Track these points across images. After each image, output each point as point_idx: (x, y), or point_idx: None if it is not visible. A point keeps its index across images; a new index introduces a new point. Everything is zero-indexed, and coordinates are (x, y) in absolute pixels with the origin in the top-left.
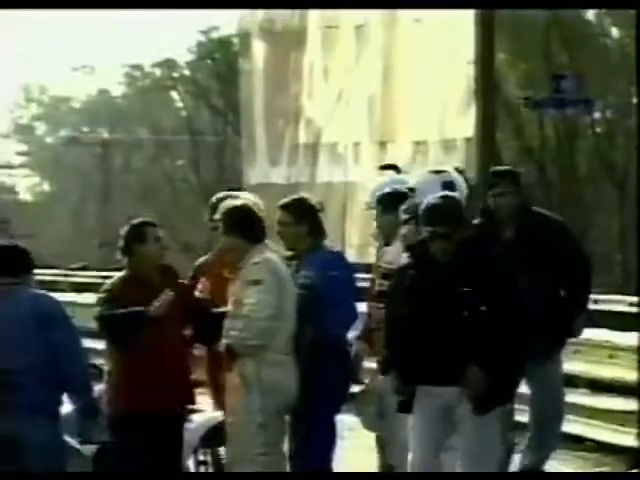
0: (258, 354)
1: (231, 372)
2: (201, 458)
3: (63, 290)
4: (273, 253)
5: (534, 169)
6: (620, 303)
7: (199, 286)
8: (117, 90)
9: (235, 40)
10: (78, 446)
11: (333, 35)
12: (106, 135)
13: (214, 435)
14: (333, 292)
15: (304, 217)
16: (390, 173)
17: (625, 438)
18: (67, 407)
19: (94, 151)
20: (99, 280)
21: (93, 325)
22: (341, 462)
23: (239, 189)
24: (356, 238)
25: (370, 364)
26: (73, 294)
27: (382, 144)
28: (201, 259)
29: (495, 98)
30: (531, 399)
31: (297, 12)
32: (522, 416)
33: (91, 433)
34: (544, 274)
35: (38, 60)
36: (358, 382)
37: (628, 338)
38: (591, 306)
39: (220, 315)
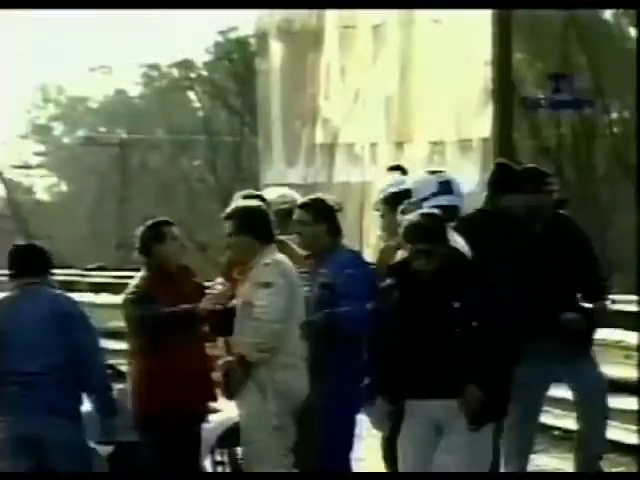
0: (270, 358)
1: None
2: (218, 458)
3: (80, 290)
4: (291, 250)
5: (551, 169)
6: (635, 303)
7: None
8: (134, 90)
9: (252, 40)
10: (94, 446)
11: (350, 35)
12: (123, 135)
13: (231, 435)
14: (351, 291)
15: (322, 217)
16: (396, 174)
17: None
18: (83, 407)
19: (111, 151)
20: (116, 280)
21: (110, 325)
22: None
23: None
24: (373, 238)
25: None
26: (90, 294)
27: (399, 144)
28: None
29: (512, 98)
30: (574, 402)
31: (314, 12)
32: (545, 417)
33: (110, 433)
34: (566, 274)
35: (56, 60)
36: None
37: None
38: (609, 306)
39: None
